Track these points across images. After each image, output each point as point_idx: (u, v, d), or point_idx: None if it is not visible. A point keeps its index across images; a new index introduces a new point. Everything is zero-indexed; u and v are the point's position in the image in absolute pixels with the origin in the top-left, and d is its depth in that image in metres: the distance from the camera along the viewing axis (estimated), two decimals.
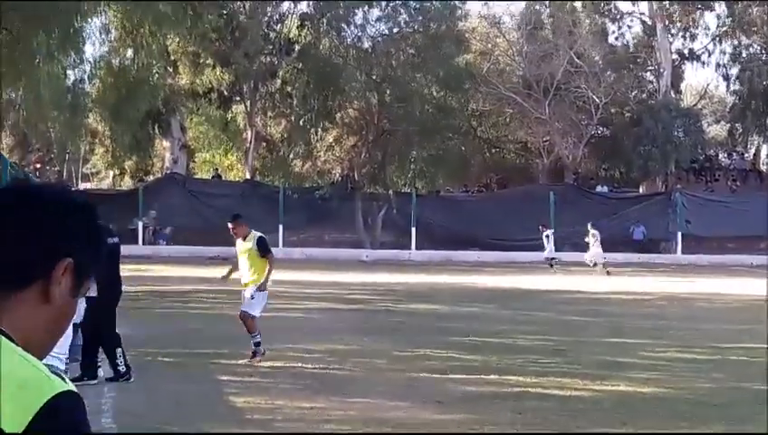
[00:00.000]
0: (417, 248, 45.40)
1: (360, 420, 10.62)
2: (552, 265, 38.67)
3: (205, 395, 11.89)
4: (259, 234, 14.98)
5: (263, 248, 14.70)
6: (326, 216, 49.26)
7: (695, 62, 56.81)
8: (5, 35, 26.61)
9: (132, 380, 12.53)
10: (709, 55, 56.33)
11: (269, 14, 50.87)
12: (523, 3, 55.61)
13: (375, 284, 30.09)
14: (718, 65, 56.29)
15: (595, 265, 36.57)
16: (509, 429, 10.39)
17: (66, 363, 10.88)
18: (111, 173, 58.83)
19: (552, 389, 12.48)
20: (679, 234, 47.58)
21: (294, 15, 51.06)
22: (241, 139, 53.49)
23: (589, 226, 37.68)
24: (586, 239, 37.43)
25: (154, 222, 45.64)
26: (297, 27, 50.80)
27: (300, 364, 14.08)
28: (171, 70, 47.99)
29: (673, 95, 54.54)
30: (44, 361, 1.90)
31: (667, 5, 53.69)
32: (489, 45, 56.48)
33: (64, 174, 59.12)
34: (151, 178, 52.76)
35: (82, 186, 61.83)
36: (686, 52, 56.59)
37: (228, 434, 10.16)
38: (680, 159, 51.60)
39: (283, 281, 29.64)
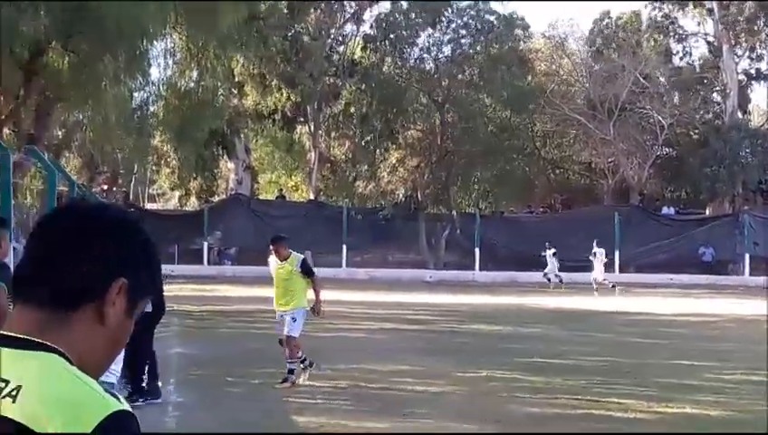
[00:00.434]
0: (480, 269, 45.23)
1: None
2: (549, 280, 39.17)
3: (267, 414, 11.91)
4: (301, 255, 15.06)
5: (307, 270, 14.70)
6: (389, 236, 49.29)
7: (762, 82, 56.17)
8: (73, 58, 26.98)
9: (146, 402, 12.11)
10: None
11: (332, 36, 51.16)
12: (589, 23, 55.53)
13: (438, 304, 30.01)
14: None
15: (599, 283, 36.36)
16: None
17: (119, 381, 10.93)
18: (177, 194, 59.37)
19: (617, 411, 12.34)
20: (747, 255, 46.98)
21: (358, 37, 51.30)
22: (305, 160, 53.76)
23: (594, 244, 37.59)
24: (590, 258, 37.32)
25: (219, 243, 45.97)
26: (360, 48, 51.03)
27: (363, 384, 14.06)
28: (236, 91, 48.41)
29: (740, 115, 53.90)
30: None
31: (733, 22, 53.08)
32: (553, 66, 56.28)
33: (131, 195, 59.80)
34: (216, 198, 53.14)
35: (149, 206, 62.56)
36: (752, 72, 55.96)
37: None
38: (747, 181, 50.99)
39: (346, 301, 29.79)
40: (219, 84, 39.73)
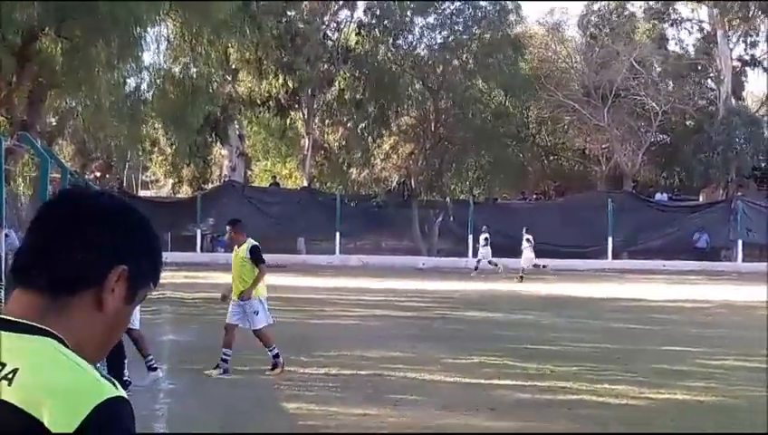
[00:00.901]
0: (474, 256, 45.24)
1: (414, 427, 10.61)
2: (476, 268, 38.84)
3: (258, 401, 11.94)
4: (254, 242, 14.43)
5: (256, 259, 14.12)
6: (383, 223, 49.35)
7: (756, 68, 56.14)
8: (66, 44, 26.94)
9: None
10: None
11: (326, 22, 51.06)
12: (582, 7, 55.39)
13: (431, 291, 30.05)
14: None
15: (526, 271, 36.34)
16: None
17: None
18: (170, 181, 59.29)
19: (608, 396, 12.38)
20: (740, 242, 47.09)
21: (352, 23, 51.21)
22: (298, 147, 53.69)
23: (524, 231, 37.65)
24: (522, 247, 37.37)
25: (212, 229, 45.94)
26: (354, 35, 50.95)
27: (354, 371, 14.08)
28: (230, 78, 48.30)
29: (734, 102, 53.87)
30: None
31: (728, 8, 53.01)
32: (548, 53, 56.23)
33: (124, 182, 59.66)
34: (210, 186, 53.08)
35: (142, 193, 62.49)
36: (747, 58, 55.93)
37: None
38: (741, 167, 51.02)
39: (339, 288, 29.86)
40: (213, 71, 39.66)
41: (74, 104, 34.07)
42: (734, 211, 47.84)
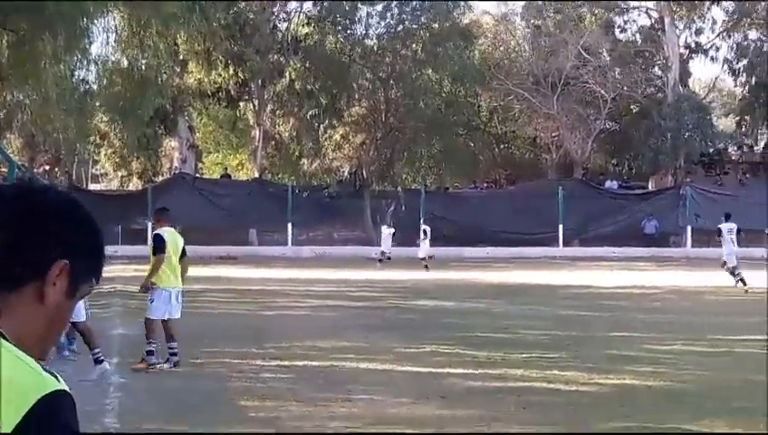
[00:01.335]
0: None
1: (365, 417, 10.63)
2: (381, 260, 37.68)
3: (209, 394, 11.89)
4: (159, 231, 14.11)
5: (154, 247, 13.86)
6: (335, 214, 49.36)
7: (702, 55, 56.63)
8: (11, 37, 26.66)
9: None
10: (717, 49, 56.26)
11: (276, 13, 50.88)
12: None
13: (383, 281, 30.08)
14: (726, 59, 56.17)
15: (425, 259, 36.47)
16: (513, 423, 10.39)
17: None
18: (120, 174, 58.86)
19: (557, 383, 12.47)
20: (689, 228, 47.54)
21: (300, 13, 51.08)
22: (249, 138, 53.54)
23: (421, 221, 38.30)
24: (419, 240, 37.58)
25: None
26: (304, 25, 50.84)
27: (306, 362, 14.07)
28: (180, 69, 47.96)
29: (681, 89, 54.34)
30: None
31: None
32: (496, 41, 56.41)
33: (73, 175, 59.14)
34: (160, 178, 52.74)
35: (92, 187, 61.98)
36: (693, 45, 56.38)
37: (233, 433, 10.16)
38: (690, 153, 51.53)
39: (292, 279, 29.81)
40: (162, 62, 39.38)
41: (21, 97, 33.75)
42: (682, 197, 48.30)
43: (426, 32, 50.32)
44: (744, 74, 55.70)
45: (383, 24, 51.38)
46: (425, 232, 37.91)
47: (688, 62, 57.03)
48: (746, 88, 56.21)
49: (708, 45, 56.14)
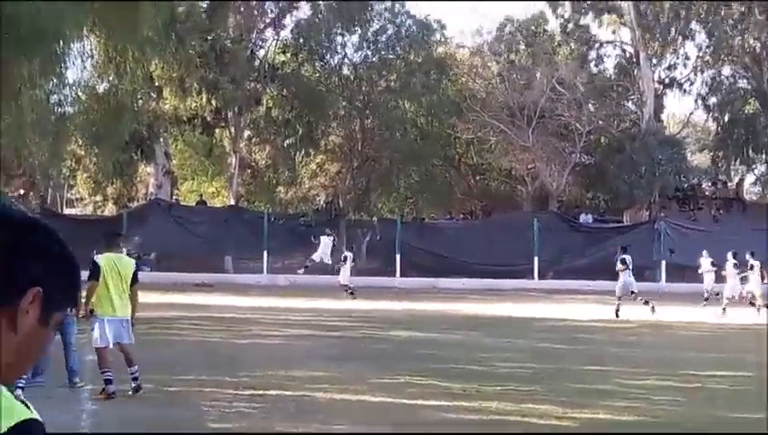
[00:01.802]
0: (401, 275, 45.35)
1: None
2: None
3: (185, 422, 11.83)
4: (94, 256, 13.73)
5: (89, 270, 13.24)
6: (310, 242, 49.24)
7: (677, 90, 56.94)
8: None
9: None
10: (691, 84, 56.58)
11: (253, 40, 50.93)
12: (495, 31, 55.65)
13: (358, 311, 30.03)
14: (699, 94, 56.52)
15: (348, 287, 36.38)
16: None
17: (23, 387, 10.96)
18: (95, 199, 58.60)
19: (532, 417, 12.46)
20: (663, 262, 47.64)
21: (278, 42, 51.17)
22: (225, 165, 53.46)
23: (343, 248, 38.82)
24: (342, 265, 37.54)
25: (138, 248, 45.44)
26: (281, 52, 50.92)
27: (279, 391, 14.01)
28: (155, 96, 47.87)
29: (655, 123, 54.59)
30: None
31: (650, 28, 53.85)
32: (471, 73, 56.61)
33: (48, 200, 58.85)
34: (135, 204, 52.56)
35: (66, 211, 61.65)
36: (667, 80, 56.71)
37: None
38: (664, 188, 51.68)
39: (266, 308, 29.71)
40: (138, 88, 39.26)
41: None
42: (656, 232, 48.43)
43: (401, 62, 50.53)
44: (718, 110, 56.10)
45: (359, 53, 51.60)
46: (345, 258, 37.67)
47: (662, 96, 57.34)
48: (720, 124, 56.58)
49: (683, 80, 56.45)
